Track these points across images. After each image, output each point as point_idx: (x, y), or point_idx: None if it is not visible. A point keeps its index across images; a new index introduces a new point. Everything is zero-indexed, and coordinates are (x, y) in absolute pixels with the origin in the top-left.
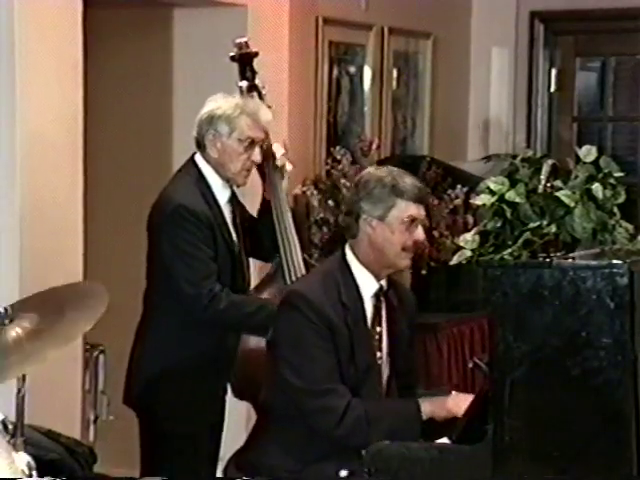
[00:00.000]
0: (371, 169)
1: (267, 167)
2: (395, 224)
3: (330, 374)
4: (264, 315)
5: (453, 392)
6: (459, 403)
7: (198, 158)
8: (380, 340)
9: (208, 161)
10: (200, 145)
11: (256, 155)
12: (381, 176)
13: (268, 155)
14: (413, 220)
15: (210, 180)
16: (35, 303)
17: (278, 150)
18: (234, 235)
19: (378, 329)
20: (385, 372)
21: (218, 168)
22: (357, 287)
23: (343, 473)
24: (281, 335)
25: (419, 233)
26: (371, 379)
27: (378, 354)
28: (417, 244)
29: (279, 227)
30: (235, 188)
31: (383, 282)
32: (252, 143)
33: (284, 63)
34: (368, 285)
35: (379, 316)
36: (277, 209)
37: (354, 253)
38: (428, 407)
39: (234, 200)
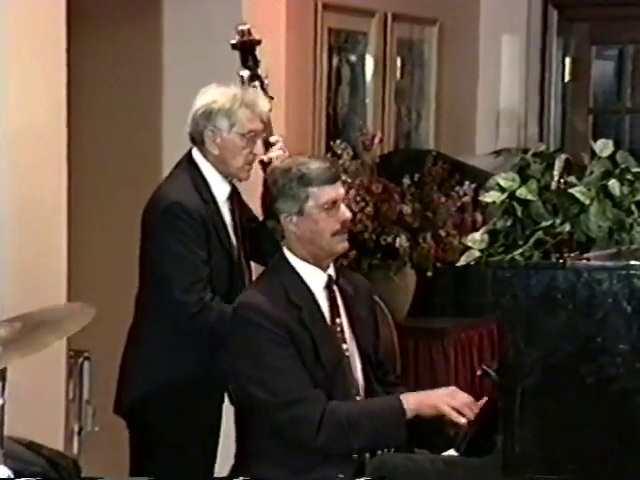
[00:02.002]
0: (277, 163)
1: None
2: (315, 214)
3: (298, 382)
4: None
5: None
6: (445, 399)
7: (195, 153)
8: (342, 332)
9: (206, 157)
10: (196, 141)
11: (258, 148)
12: (286, 169)
13: (268, 147)
14: (334, 202)
15: (208, 176)
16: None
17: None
18: (233, 237)
19: (338, 321)
20: (357, 363)
21: (218, 165)
22: (305, 283)
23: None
24: (238, 352)
25: (343, 212)
26: (343, 375)
27: (344, 346)
28: (345, 224)
29: None
30: (237, 184)
31: (331, 271)
32: (254, 136)
33: (281, 51)
34: (315, 278)
35: (336, 307)
36: None
37: (291, 251)
38: (412, 404)
39: (234, 198)
